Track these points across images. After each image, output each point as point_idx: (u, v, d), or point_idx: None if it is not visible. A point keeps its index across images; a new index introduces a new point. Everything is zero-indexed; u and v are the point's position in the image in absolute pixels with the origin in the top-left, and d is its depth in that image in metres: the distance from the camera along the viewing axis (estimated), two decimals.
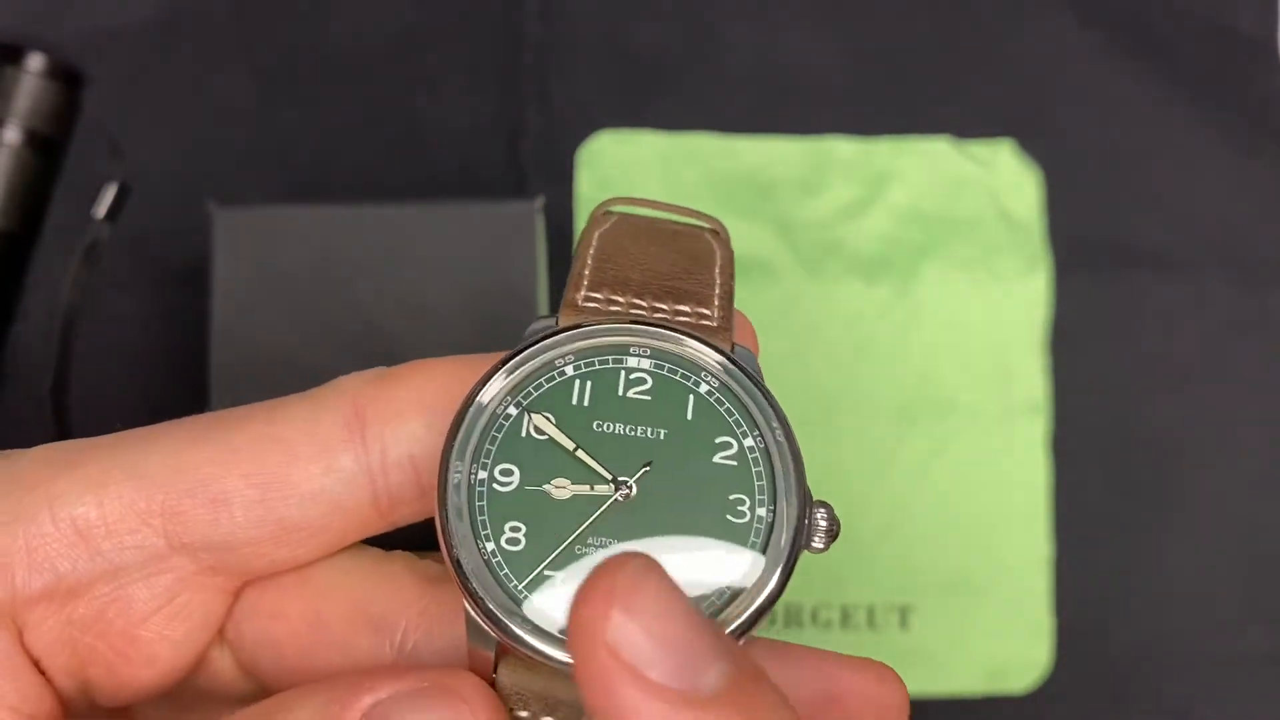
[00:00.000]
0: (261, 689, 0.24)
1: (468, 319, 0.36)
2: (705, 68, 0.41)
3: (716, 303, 0.20)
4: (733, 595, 0.18)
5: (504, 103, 0.41)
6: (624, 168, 0.41)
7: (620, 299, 0.20)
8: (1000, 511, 0.40)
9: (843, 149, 0.41)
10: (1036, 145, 0.41)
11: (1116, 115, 0.41)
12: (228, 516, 0.21)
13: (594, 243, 0.21)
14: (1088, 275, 0.41)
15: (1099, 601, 0.40)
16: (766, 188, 0.41)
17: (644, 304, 0.20)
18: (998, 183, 0.41)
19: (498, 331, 0.36)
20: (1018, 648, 0.39)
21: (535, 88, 0.41)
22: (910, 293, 0.41)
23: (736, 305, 0.21)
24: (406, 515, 0.22)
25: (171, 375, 0.39)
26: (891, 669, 0.20)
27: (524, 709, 0.18)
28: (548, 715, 0.18)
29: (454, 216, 0.36)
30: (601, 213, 0.22)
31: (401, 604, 0.22)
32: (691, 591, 0.18)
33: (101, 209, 0.40)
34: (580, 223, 0.40)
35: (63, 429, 0.39)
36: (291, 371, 0.36)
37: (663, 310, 0.20)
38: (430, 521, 0.20)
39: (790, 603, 0.40)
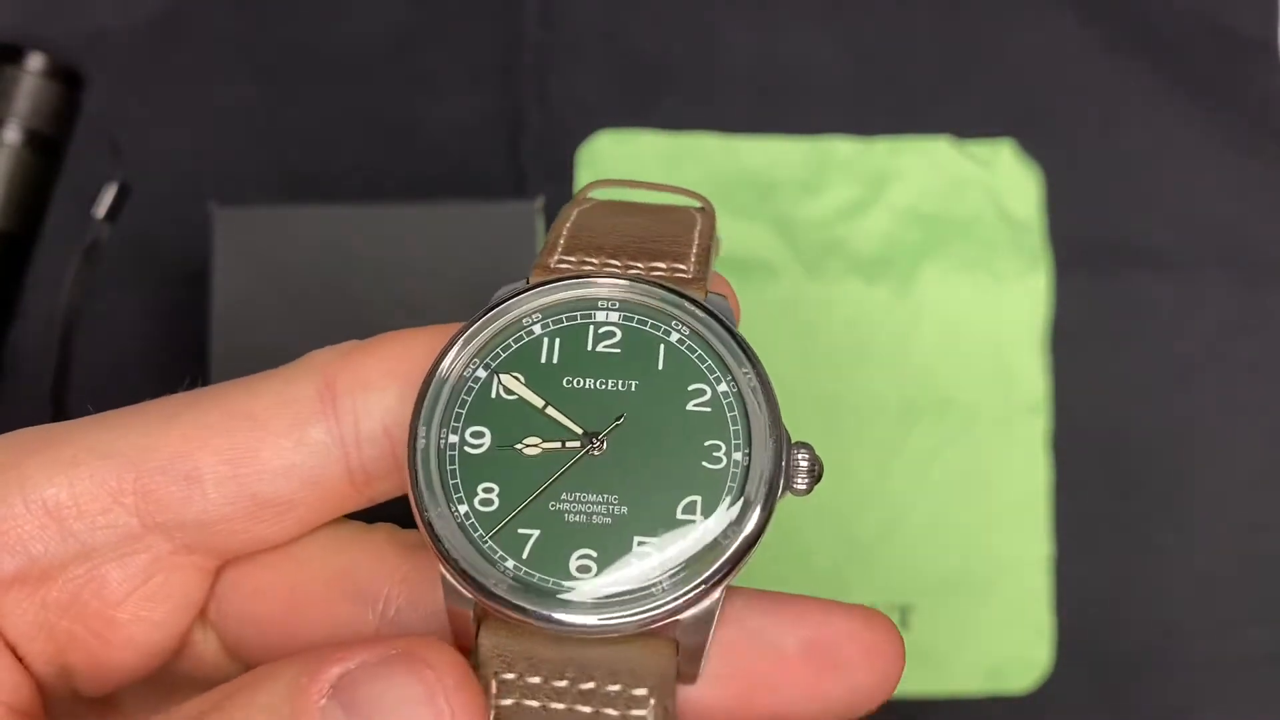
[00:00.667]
0: (247, 670, 0.23)
1: (467, 319, 0.36)
2: (705, 68, 0.41)
3: (693, 258, 0.19)
4: (713, 540, 0.18)
5: (504, 103, 0.41)
6: (624, 168, 0.41)
7: (592, 260, 0.19)
8: (1000, 511, 0.40)
9: (843, 149, 0.41)
10: (1037, 145, 0.41)
11: (1117, 115, 0.41)
12: (200, 494, 0.21)
13: (572, 217, 0.20)
14: (1088, 275, 0.41)
15: (1099, 601, 0.40)
16: (767, 188, 0.41)
17: (617, 263, 0.19)
18: (998, 182, 0.41)
19: None
20: (1018, 647, 0.39)
21: (535, 88, 0.41)
22: (910, 292, 0.41)
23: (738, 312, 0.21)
24: (385, 490, 0.21)
25: (171, 374, 0.39)
26: (882, 614, 0.20)
27: (508, 670, 0.18)
28: (533, 674, 0.18)
29: (454, 216, 0.36)
30: (583, 196, 0.22)
31: (383, 572, 0.21)
32: (669, 540, 0.18)
33: (101, 209, 0.40)
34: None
35: None
36: None
37: (637, 268, 0.19)
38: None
39: None
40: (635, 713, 0.17)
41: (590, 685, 0.17)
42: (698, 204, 0.22)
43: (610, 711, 0.17)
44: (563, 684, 0.17)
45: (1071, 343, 0.40)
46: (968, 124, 0.41)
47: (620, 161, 0.41)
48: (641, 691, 0.17)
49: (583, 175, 0.41)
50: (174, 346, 0.39)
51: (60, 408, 0.39)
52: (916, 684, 0.39)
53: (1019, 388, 0.40)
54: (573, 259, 0.19)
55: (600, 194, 0.22)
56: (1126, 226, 0.41)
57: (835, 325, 0.41)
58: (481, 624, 0.18)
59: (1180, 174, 0.41)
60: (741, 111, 0.41)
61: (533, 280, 0.20)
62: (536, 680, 0.17)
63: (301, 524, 0.22)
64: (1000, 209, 0.41)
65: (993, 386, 0.40)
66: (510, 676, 0.18)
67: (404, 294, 0.36)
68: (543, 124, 0.41)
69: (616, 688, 0.17)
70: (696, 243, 0.20)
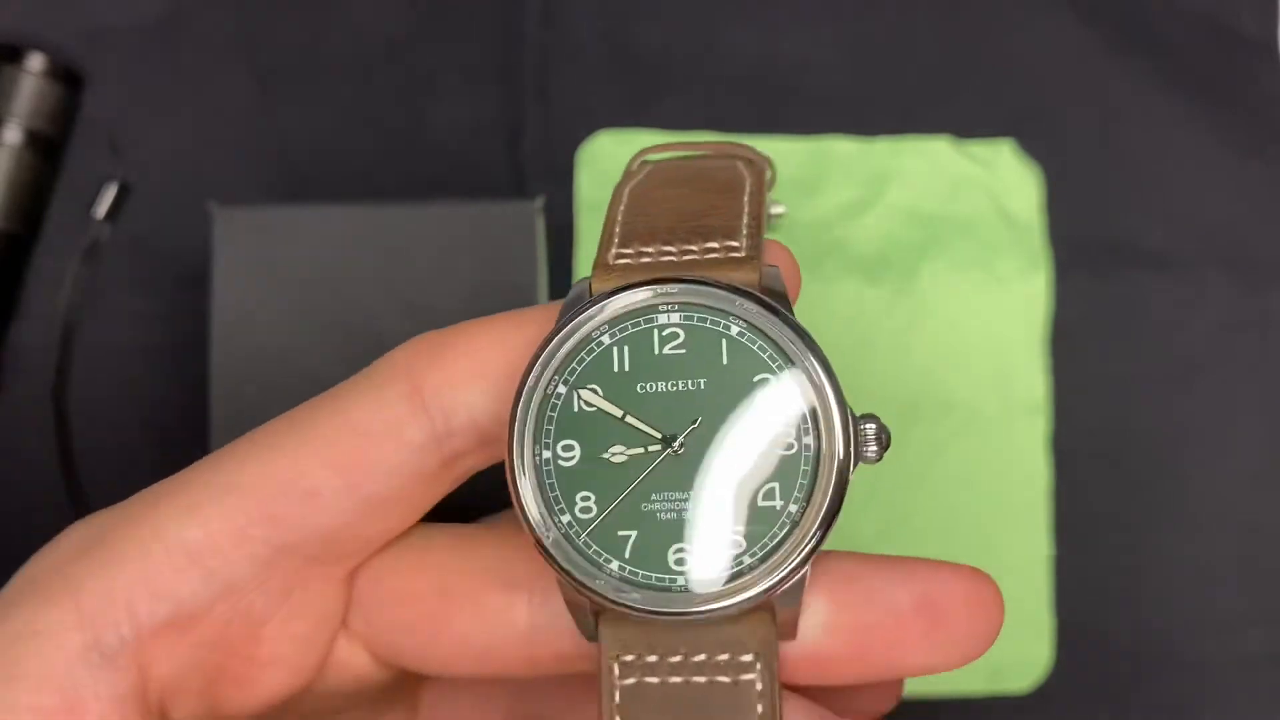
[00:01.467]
0: (399, 674, 0.25)
1: (469, 317, 0.36)
2: (705, 68, 0.41)
3: (745, 231, 0.20)
4: (793, 522, 0.19)
5: (504, 103, 0.41)
6: (624, 167, 0.41)
7: (649, 249, 0.20)
8: (1000, 511, 0.40)
9: (843, 149, 0.41)
10: (1037, 145, 0.41)
11: (1117, 115, 0.41)
12: (319, 506, 0.22)
13: (624, 199, 0.21)
14: (1088, 275, 0.41)
15: (1099, 601, 0.40)
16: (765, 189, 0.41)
17: (673, 249, 0.20)
18: (998, 182, 0.41)
19: None
20: (1018, 647, 0.39)
21: (535, 88, 0.41)
22: (910, 292, 0.41)
23: None
24: (471, 467, 0.23)
25: (172, 375, 0.39)
26: (984, 573, 0.22)
27: (627, 653, 0.19)
28: (650, 654, 0.19)
29: (454, 216, 0.36)
30: (636, 165, 0.22)
31: (522, 562, 0.22)
32: (754, 524, 0.19)
33: (101, 209, 0.40)
34: (581, 223, 0.40)
35: (63, 429, 0.39)
36: (292, 371, 0.36)
37: (692, 251, 0.20)
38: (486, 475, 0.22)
39: None
40: (745, 677, 0.19)
41: (702, 657, 0.19)
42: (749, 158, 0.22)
43: (722, 679, 0.19)
44: (677, 659, 0.19)
45: (1072, 343, 0.40)
46: (968, 124, 0.41)
47: (621, 162, 0.41)
48: (748, 658, 0.19)
49: (583, 175, 0.41)
50: (174, 346, 0.39)
51: (61, 407, 0.39)
52: (916, 684, 0.39)
53: (1019, 388, 0.40)
54: (630, 250, 0.20)
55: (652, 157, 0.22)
56: (1127, 227, 0.41)
57: (835, 325, 0.41)
58: (599, 616, 0.20)
59: (1180, 174, 0.41)
60: (741, 111, 0.41)
61: (595, 281, 0.20)
62: (654, 659, 0.19)
63: (409, 515, 0.23)
64: (1000, 209, 0.41)
65: (993, 387, 0.40)
66: (630, 658, 0.19)
67: (404, 293, 0.36)
68: (543, 124, 0.41)
69: (725, 657, 0.19)
70: (747, 210, 0.21)
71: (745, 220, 0.20)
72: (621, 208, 0.21)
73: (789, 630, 0.20)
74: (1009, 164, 0.41)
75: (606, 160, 0.41)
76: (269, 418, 0.35)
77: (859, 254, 0.41)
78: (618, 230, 0.21)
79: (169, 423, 0.39)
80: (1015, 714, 0.39)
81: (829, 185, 0.41)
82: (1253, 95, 0.42)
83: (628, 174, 0.22)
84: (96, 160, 0.40)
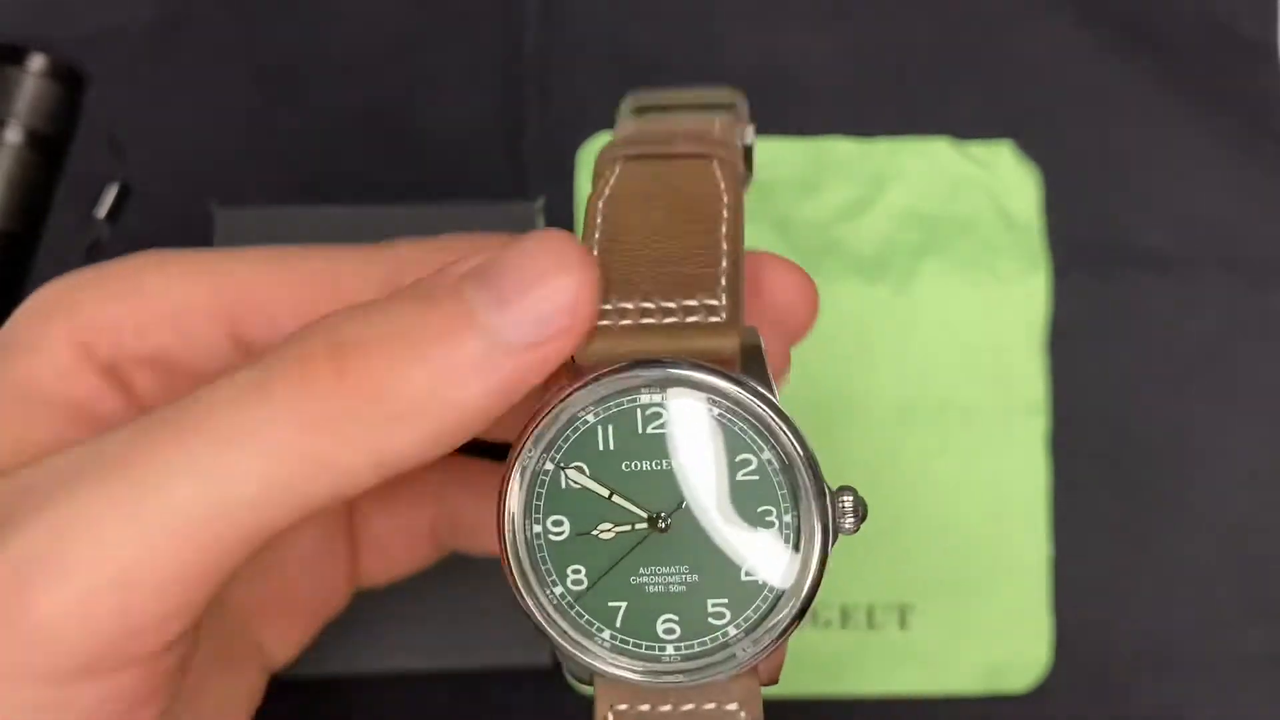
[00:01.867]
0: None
1: None
2: (705, 68, 0.41)
3: (723, 283, 0.20)
4: (777, 597, 0.20)
5: (504, 103, 0.41)
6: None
7: (629, 305, 0.20)
8: (999, 511, 0.40)
9: (842, 149, 0.41)
10: (1036, 146, 0.41)
11: (1116, 116, 0.41)
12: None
13: (598, 225, 0.21)
14: (1087, 275, 0.41)
15: (1098, 601, 0.40)
16: (765, 188, 0.41)
17: (653, 307, 0.20)
18: (997, 183, 0.41)
19: None
20: (1017, 647, 0.39)
21: (536, 88, 0.41)
22: (909, 292, 0.41)
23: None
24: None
25: None
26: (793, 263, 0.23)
27: (621, 703, 0.21)
28: (641, 704, 0.20)
29: (454, 217, 0.37)
30: (605, 162, 0.22)
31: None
32: (738, 600, 0.20)
33: (103, 209, 0.40)
34: (582, 222, 0.40)
35: None
36: None
37: (672, 311, 0.20)
38: None
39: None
40: None
41: (690, 707, 0.20)
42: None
43: None
44: (666, 708, 0.20)
45: (1071, 343, 0.41)
46: (967, 125, 0.41)
47: None
48: (732, 706, 0.20)
49: (583, 176, 0.41)
50: None
51: None
52: (915, 684, 0.39)
53: (1018, 388, 0.40)
54: (609, 307, 0.20)
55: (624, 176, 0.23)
56: (1126, 227, 0.41)
57: (834, 325, 0.41)
58: (595, 677, 0.21)
59: (1179, 175, 0.41)
60: None
61: (582, 357, 0.20)
62: (645, 708, 0.20)
63: None
64: (1000, 210, 0.41)
65: (992, 387, 0.40)
66: (623, 708, 0.21)
67: None
68: (543, 124, 0.41)
69: (711, 706, 0.20)
70: (725, 250, 0.21)
71: (723, 266, 0.20)
72: (597, 236, 0.21)
73: (771, 678, 0.21)
74: (1008, 164, 0.41)
75: None
76: None
77: (858, 254, 0.41)
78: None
79: None
80: (1014, 714, 0.39)
81: (828, 185, 0.41)
82: (1252, 96, 0.42)
83: (598, 176, 0.22)
84: (97, 160, 0.40)
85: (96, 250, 0.40)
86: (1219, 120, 0.41)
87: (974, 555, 0.40)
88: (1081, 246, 0.41)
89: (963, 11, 0.42)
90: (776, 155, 0.41)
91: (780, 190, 0.41)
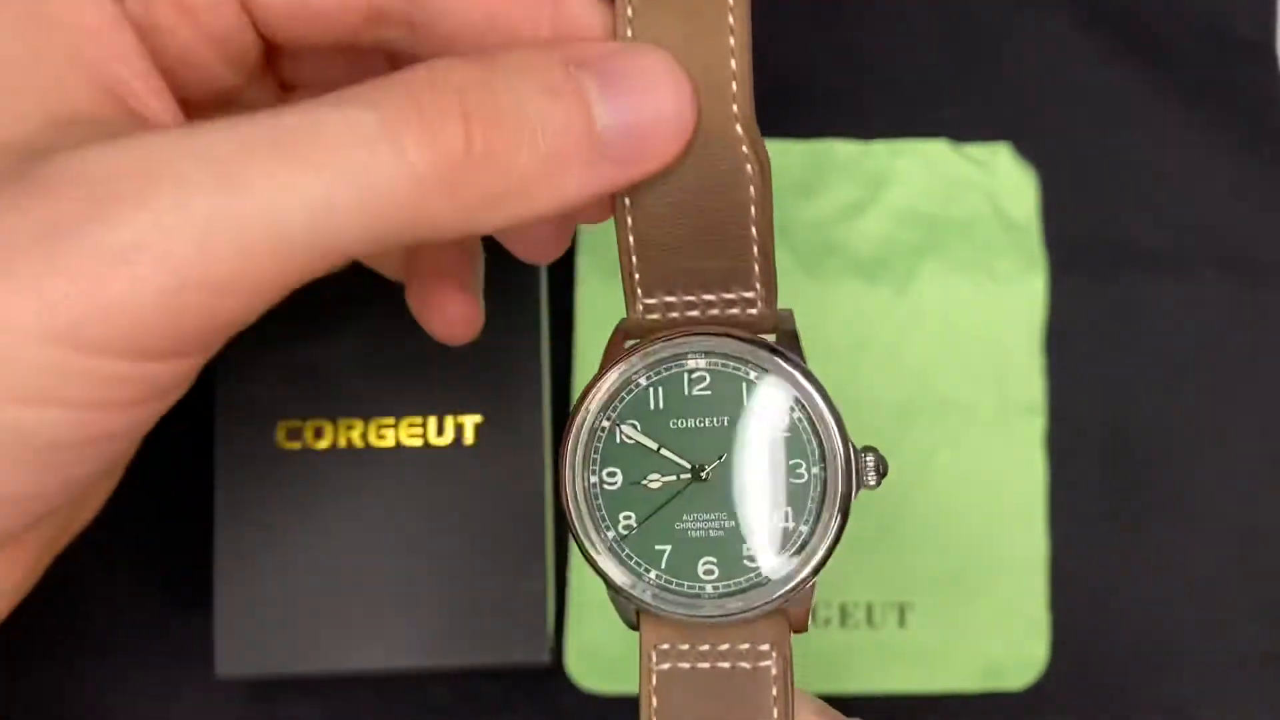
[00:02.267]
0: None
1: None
2: None
3: (757, 270, 0.22)
4: (804, 541, 0.23)
5: None
6: None
7: (673, 299, 0.23)
8: (998, 510, 0.40)
9: (841, 150, 0.41)
10: (1034, 147, 0.41)
11: (1114, 117, 0.42)
12: None
13: (630, 221, 0.22)
14: (1085, 276, 0.41)
15: (1096, 600, 0.40)
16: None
17: (694, 299, 0.23)
18: (995, 184, 0.41)
19: (501, 329, 0.36)
20: (1015, 646, 0.40)
21: None
22: (908, 293, 0.41)
23: None
24: None
25: None
26: None
27: (663, 644, 0.23)
28: (682, 643, 0.23)
29: None
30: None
31: None
32: (771, 544, 0.23)
33: None
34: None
35: None
36: (295, 370, 0.36)
37: (713, 303, 0.23)
38: None
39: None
40: (762, 664, 0.22)
41: (726, 647, 0.23)
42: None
43: (743, 665, 0.22)
44: (705, 648, 0.23)
45: (1069, 343, 0.41)
46: (965, 126, 0.41)
47: None
48: (765, 647, 0.23)
49: None
50: None
51: None
52: (914, 682, 0.39)
53: (1016, 388, 0.40)
54: (655, 301, 0.23)
55: None
56: (1123, 228, 0.41)
57: (834, 325, 0.41)
58: (640, 614, 0.23)
59: (1177, 175, 0.41)
60: None
61: (630, 328, 0.23)
62: (685, 648, 0.23)
63: None
64: (998, 210, 0.41)
65: (990, 386, 0.40)
66: (665, 648, 0.23)
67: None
68: None
69: (746, 646, 0.23)
70: (756, 242, 0.22)
71: (756, 255, 0.22)
72: (632, 239, 0.23)
73: (799, 624, 0.23)
74: (1006, 166, 0.41)
75: None
76: (272, 418, 0.36)
77: (858, 255, 0.41)
78: (638, 277, 0.23)
79: (172, 417, 0.39)
80: (1012, 712, 0.39)
81: (828, 187, 0.41)
82: (1249, 97, 0.42)
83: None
84: None
85: None
86: (1217, 121, 0.41)
87: (972, 554, 0.40)
88: (1079, 247, 0.41)
89: (960, 15, 0.42)
90: (776, 157, 0.41)
91: (780, 191, 0.41)
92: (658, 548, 0.23)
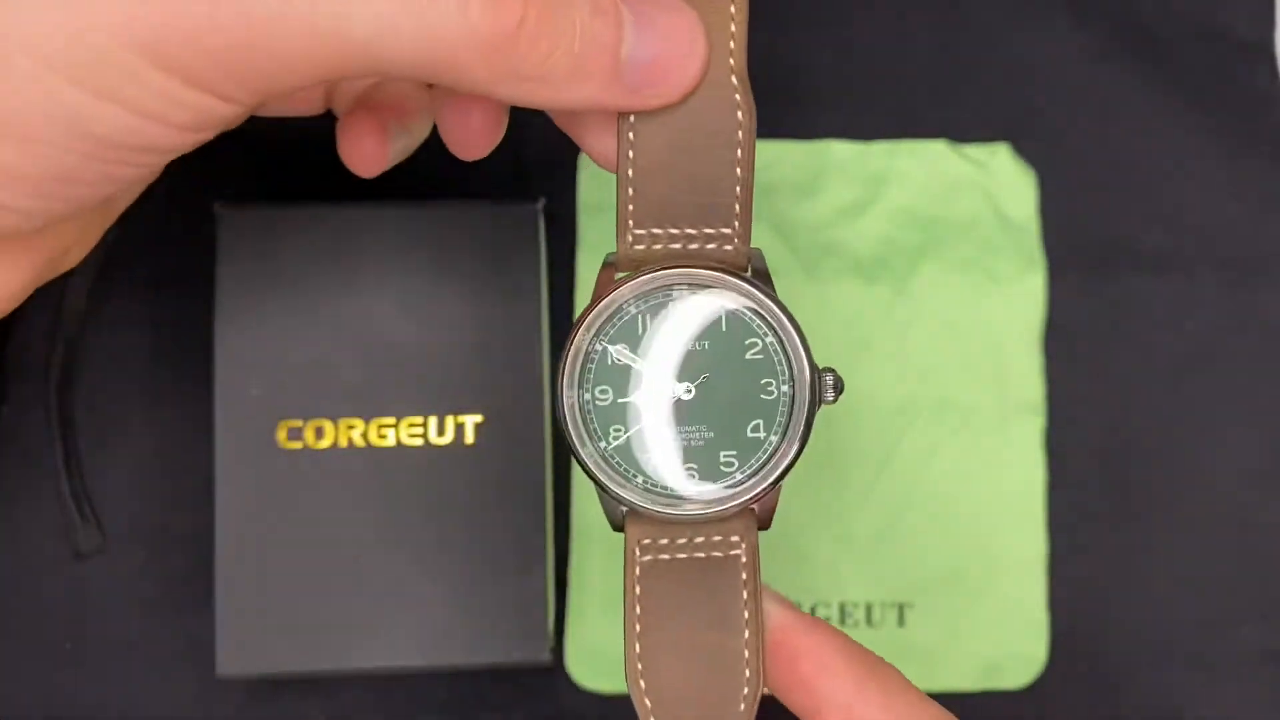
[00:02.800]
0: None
1: (471, 318, 0.36)
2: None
3: (737, 209, 0.25)
4: (774, 449, 0.25)
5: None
6: None
7: (659, 231, 0.25)
8: (997, 509, 0.40)
9: (840, 151, 0.41)
10: (1032, 147, 0.41)
11: (1112, 117, 0.42)
12: None
13: (630, 158, 0.25)
14: (1083, 276, 0.41)
15: (1094, 599, 0.40)
16: (765, 190, 0.41)
17: (678, 232, 0.25)
18: (994, 184, 0.41)
19: (501, 330, 0.36)
20: (1014, 644, 0.40)
21: None
22: (908, 293, 0.41)
23: None
24: None
25: (176, 374, 0.39)
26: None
27: (646, 539, 0.25)
28: (662, 538, 0.25)
29: (458, 217, 0.37)
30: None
31: None
32: (744, 450, 0.25)
33: None
34: (583, 224, 0.41)
35: (68, 428, 0.39)
36: (296, 371, 0.36)
37: (694, 237, 0.25)
38: None
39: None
40: (733, 553, 0.25)
41: (701, 539, 0.25)
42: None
43: (716, 554, 0.25)
44: (682, 541, 0.25)
45: (1067, 343, 0.41)
46: (964, 127, 0.41)
47: None
48: (735, 538, 0.25)
49: (585, 178, 0.41)
50: (179, 346, 0.39)
51: (65, 408, 0.39)
52: (913, 681, 0.39)
53: (1015, 387, 0.41)
54: (644, 233, 0.25)
55: None
56: (1122, 228, 0.41)
57: (833, 325, 0.41)
58: (627, 516, 0.26)
59: (1175, 175, 0.41)
60: None
61: (619, 261, 0.25)
62: (665, 542, 0.25)
63: None
64: (997, 211, 0.41)
65: (989, 386, 0.41)
66: (647, 542, 0.25)
67: (408, 293, 0.36)
68: (545, 126, 0.41)
69: (719, 538, 0.25)
70: (739, 183, 0.25)
71: (737, 194, 0.25)
72: (631, 173, 0.25)
73: (765, 521, 0.26)
74: (1005, 166, 0.41)
75: None
76: (273, 418, 0.36)
77: (857, 255, 0.41)
78: (631, 206, 0.25)
79: (173, 422, 0.39)
80: (1011, 710, 0.39)
81: (827, 187, 0.41)
82: (1247, 97, 0.42)
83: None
84: None
85: (100, 250, 0.40)
86: (1215, 122, 0.42)
87: (971, 553, 0.40)
88: (1078, 247, 0.41)
89: (958, 15, 0.42)
90: (776, 157, 0.41)
91: (780, 192, 0.41)
92: (643, 456, 0.25)
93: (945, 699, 0.40)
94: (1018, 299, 0.41)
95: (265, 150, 0.41)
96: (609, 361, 0.25)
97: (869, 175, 0.41)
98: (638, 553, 0.25)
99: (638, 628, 0.25)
